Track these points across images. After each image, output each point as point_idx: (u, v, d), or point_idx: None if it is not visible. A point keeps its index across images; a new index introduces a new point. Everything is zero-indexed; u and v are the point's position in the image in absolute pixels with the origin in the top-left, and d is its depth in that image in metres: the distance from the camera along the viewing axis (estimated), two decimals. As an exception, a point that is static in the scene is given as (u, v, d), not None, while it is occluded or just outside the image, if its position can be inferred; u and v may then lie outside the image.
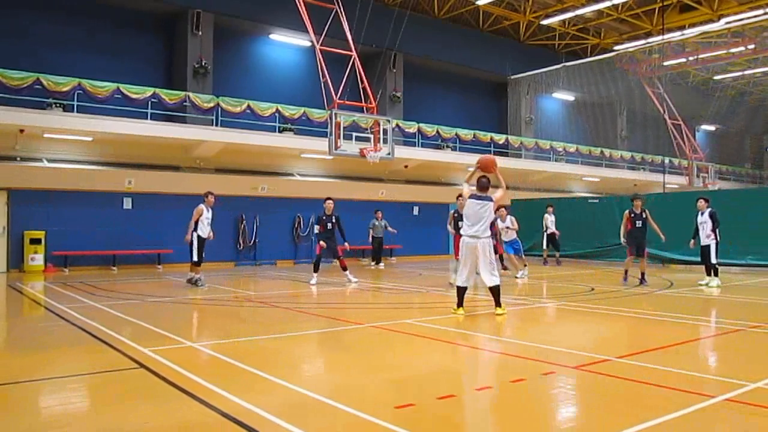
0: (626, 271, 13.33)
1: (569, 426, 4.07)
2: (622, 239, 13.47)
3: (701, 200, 12.58)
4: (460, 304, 8.59)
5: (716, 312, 9.28)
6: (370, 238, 19.81)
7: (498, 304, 8.48)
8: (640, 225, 12.97)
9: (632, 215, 13.17)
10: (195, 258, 12.28)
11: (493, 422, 4.04)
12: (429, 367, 5.75)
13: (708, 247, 12.30)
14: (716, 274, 12.40)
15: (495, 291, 8.45)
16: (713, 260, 12.29)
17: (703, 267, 12.84)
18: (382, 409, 4.23)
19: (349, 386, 4.97)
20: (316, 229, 13.58)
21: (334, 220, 13.30)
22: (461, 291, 8.60)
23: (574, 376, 5.16)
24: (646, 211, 13.14)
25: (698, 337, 7.17)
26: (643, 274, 12.92)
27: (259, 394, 4.64)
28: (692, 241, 12.69)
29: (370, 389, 4.88)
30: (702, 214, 12.39)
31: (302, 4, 16.32)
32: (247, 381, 5.04)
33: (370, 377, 5.30)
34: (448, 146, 25.05)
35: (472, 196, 8.50)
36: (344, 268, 13.41)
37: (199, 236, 12.21)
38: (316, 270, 13.34)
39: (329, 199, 13.53)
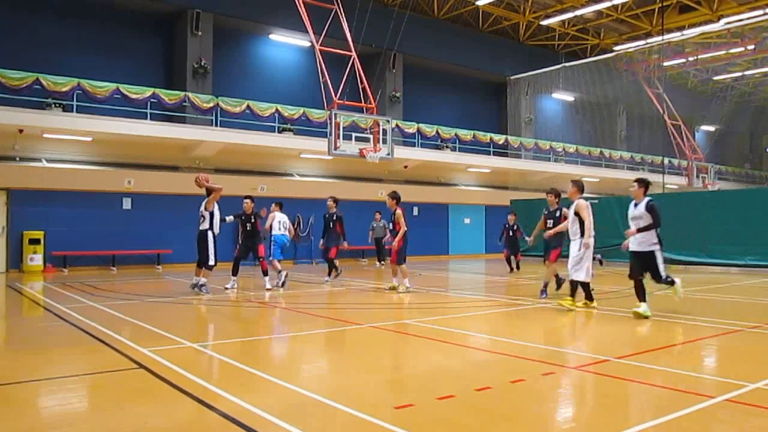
0: (546, 283, 10.48)
1: (569, 426, 4.07)
2: (528, 238, 12.49)
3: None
4: (591, 297, 9.02)
5: (715, 312, 9.28)
6: (371, 239, 19.86)
7: (572, 295, 9.01)
8: (552, 225, 10.30)
9: (546, 213, 10.60)
10: (212, 261, 10.96)
11: (493, 422, 4.04)
12: (429, 367, 5.74)
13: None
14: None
15: (574, 285, 9.00)
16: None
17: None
18: (382, 409, 4.23)
19: (349, 386, 4.96)
20: (228, 219, 12.01)
21: (253, 220, 12.14)
22: (589, 286, 9.00)
23: (573, 377, 5.16)
24: (563, 210, 10.25)
25: (697, 337, 7.16)
26: (545, 285, 10.44)
27: (259, 394, 4.64)
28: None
29: (369, 389, 4.87)
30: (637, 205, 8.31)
31: (302, 4, 16.32)
32: (247, 381, 5.03)
33: (369, 377, 5.30)
34: (447, 146, 25.07)
35: (587, 198, 9.09)
36: (265, 273, 12.12)
37: (214, 234, 11.07)
38: (234, 273, 12.15)
39: (249, 197, 12.36)
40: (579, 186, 9.04)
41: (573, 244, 8.86)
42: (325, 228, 14.15)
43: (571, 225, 8.92)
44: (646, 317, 8.00)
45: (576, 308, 8.85)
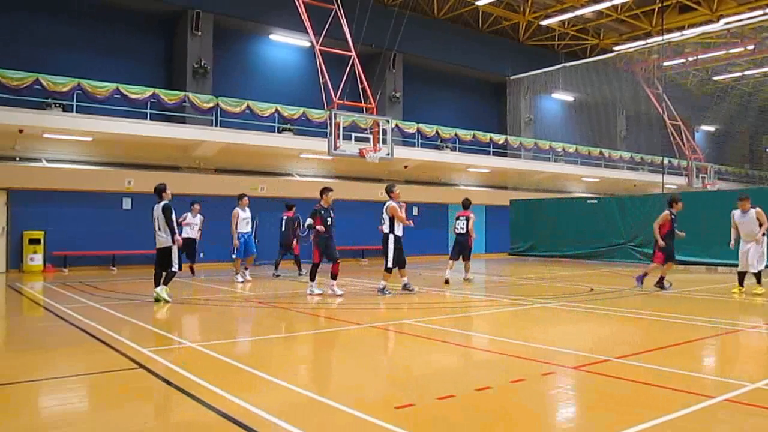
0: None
1: (569, 426, 4.08)
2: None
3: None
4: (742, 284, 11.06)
5: (715, 312, 9.29)
6: None
7: (758, 282, 11.01)
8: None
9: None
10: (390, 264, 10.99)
11: (492, 423, 4.04)
12: (429, 367, 5.74)
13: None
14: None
15: (759, 275, 11.02)
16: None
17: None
18: (382, 409, 4.23)
19: (349, 386, 4.97)
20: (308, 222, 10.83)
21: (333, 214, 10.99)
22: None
23: (573, 377, 5.16)
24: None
25: (697, 337, 7.17)
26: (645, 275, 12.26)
27: (259, 394, 4.64)
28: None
29: (369, 389, 4.88)
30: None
31: (302, 4, 16.32)
32: (247, 381, 5.04)
33: (369, 377, 5.30)
34: (447, 146, 25.07)
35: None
36: (334, 276, 11.15)
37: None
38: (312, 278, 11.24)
39: (330, 189, 11.22)
40: (748, 197, 11.09)
41: (754, 243, 10.81)
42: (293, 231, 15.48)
43: (749, 228, 10.87)
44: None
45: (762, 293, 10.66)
